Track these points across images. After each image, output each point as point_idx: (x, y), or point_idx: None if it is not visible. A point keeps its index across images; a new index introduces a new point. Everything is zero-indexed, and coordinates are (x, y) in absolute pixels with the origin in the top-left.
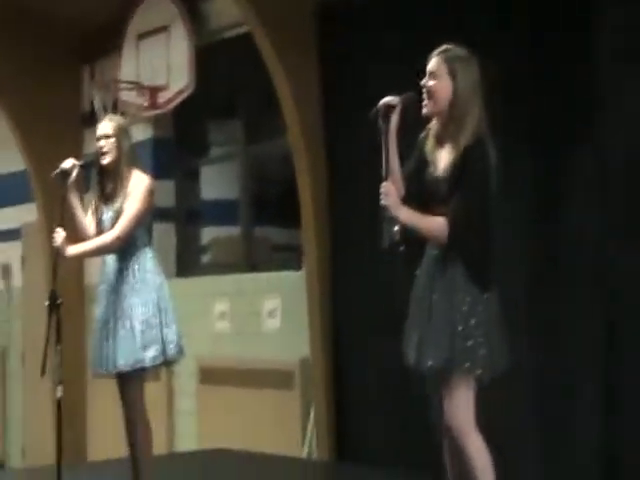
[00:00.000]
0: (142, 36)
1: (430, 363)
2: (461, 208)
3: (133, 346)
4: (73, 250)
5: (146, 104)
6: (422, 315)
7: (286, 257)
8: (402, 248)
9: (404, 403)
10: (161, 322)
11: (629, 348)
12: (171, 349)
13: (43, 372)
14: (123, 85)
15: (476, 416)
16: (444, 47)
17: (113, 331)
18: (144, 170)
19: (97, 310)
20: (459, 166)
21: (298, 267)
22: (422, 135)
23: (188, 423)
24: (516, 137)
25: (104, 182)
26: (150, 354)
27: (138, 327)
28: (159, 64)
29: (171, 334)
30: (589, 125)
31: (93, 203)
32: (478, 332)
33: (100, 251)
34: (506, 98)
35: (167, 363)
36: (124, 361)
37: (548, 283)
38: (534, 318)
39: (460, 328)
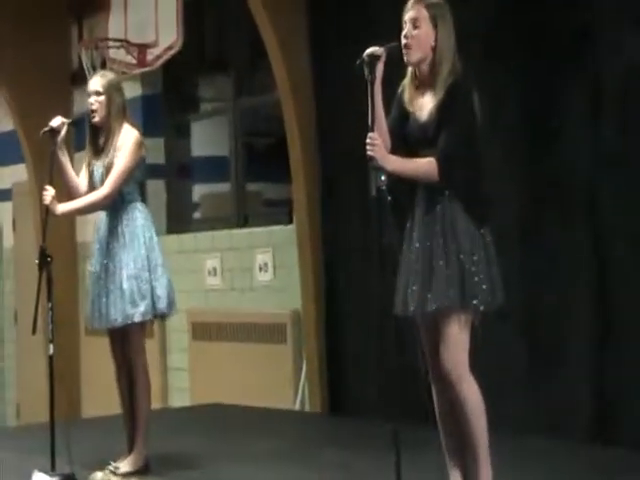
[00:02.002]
0: None
1: (434, 306)
2: (449, 143)
3: (122, 302)
4: (63, 208)
5: (135, 61)
6: (421, 261)
7: (278, 212)
8: (390, 197)
9: (396, 354)
10: (150, 277)
11: (622, 284)
12: (161, 304)
13: (34, 330)
14: (111, 43)
15: (470, 358)
16: None
17: (105, 287)
18: (135, 125)
19: (91, 267)
20: (443, 106)
21: (289, 221)
22: (400, 88)
23: (181, 378)
24: (505, 73)
25: (96, 138)
26: (139, 309)
27: (126, 283)
28: (147, 21)
29: (160, 289)
30: (581, 56)
31: (86, 159)
32: (480, 268)
33: (90, 208)
34: (496, 33)
35: (158, 317)
36: (115, 317)
37: (539, 219)
38: (526, 254)
39: (467, 266)
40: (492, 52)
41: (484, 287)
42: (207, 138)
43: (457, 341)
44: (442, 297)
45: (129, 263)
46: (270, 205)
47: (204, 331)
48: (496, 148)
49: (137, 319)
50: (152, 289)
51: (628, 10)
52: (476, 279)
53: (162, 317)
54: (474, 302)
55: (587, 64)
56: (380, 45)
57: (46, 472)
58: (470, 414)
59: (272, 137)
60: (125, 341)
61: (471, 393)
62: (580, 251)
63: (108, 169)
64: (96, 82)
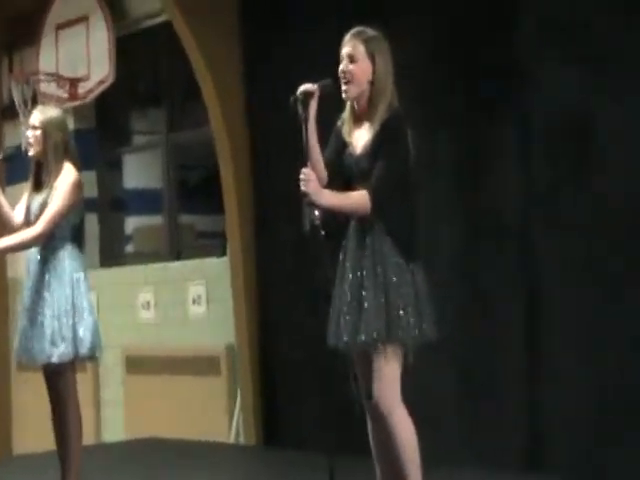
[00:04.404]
0: (61, 26)
1: (363, 338)
2: (382, 176)
3: (43, 341)
4: None
5: (66, 95)
6: (352, 293)
7: (211, 244)
8: (322, 232)
9: (331, 386)
10: (74, 319)
11: (553, 315)
12: (83, 346)
13: None
14: (42, 76)
15: (402, 390)
16: (357, 29)
17: (30, 324)
18: (77, 164)
19: (22, 300)
20: (377, 139)
21: (222, 253)
22: (338, 122)
23: (115, 413)
24: (438, 107)
25: (39, 171)
26: (59, 350)
27: (48, 322)
28: (79, 55)
29: (84, 331)
30: (510, 94)
31: (27, 190)
32: (408, 301)
33: (21, 246)
34: (427, 69)
35: (80, 359)
36: (36, 355)
37: (472, 252)
38: (460, 287)
39: (392, 298)
40: (426, 89)
41: (411, 320)
42: (140, 171)
43: (385, 373)
44: (370, 329)
45: (53, 303)
46: (203, 237)
47: (138, 364)
48: (430, 184)
49: (55, 360)
50: (75, 331)
51: (557, 49)
52: (402, 313)
53: (84, 359)
54: (400, 334)
55: (518, 101)
56: (313, 82)
57: None
58: (401, 446)
59: (205, 170)
60: (53, 379)
61: (402, 425)
62: (513, 283)
63: (43, 206)
64: (35, 117)
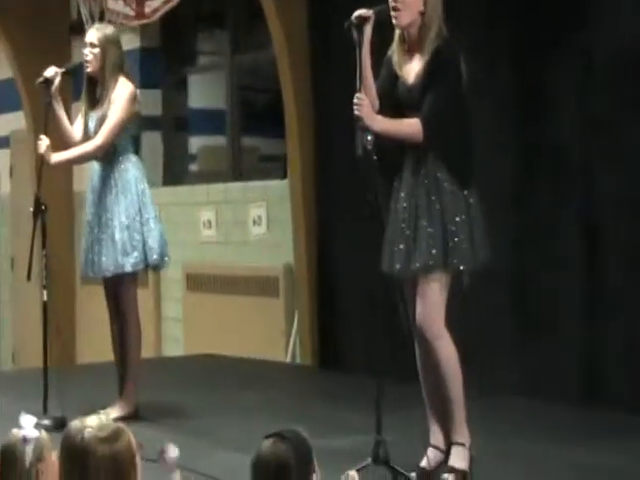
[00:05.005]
0: None
1: (417, 265)
2: (434, 105)
3: (114, 252)
4: (57, 157)
5: (133, 13)
6: (406, 221)
7: (273, 166)
8: (376, 157)
9: (387, 311)
10: (142, 228)
11: (611, 253)
12: (153, 255)
13: (29, 277)
14: None
15: (449, 317)
16: None
17: (97, 237)
18: (131, 78)
19: (85, 216)
20: (429, 68)
21: (284, 176)
22: (389, 51)
23: (175, 328)
24: (500, 43)
25: (93, 89)
26: (131, 260)
27: (119, 233)
28: None
29: (152, 240)
30: (574, 32)
31: (82, 108)
32: (462, 229)
33: (82, 159)
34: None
35: (149, 269)
36: (107, 266)
37: (530, 186)
38: (516, 217)
39: (449, 226)
40: (486, 20)
41: (465, 247)
42: (205, 91)
43: (435, 300)
44: (425, 256)
45: (121, 214)
46: (266, 160)
47: (198, 282)
48: (486, 112)
49: (128, 269)
50: (144, 240)
51: None
52: (457, 239)
53: (154, 268)
54: (455, 261)
55: (579, 36)
56: (369, 7)
57: (37, 415)
58: (445, 371)
59: (269, 93)
60: (117, 291)
61: (446, 351)
62: (571, 216)
63: (102, 121)
64: (92, 34)
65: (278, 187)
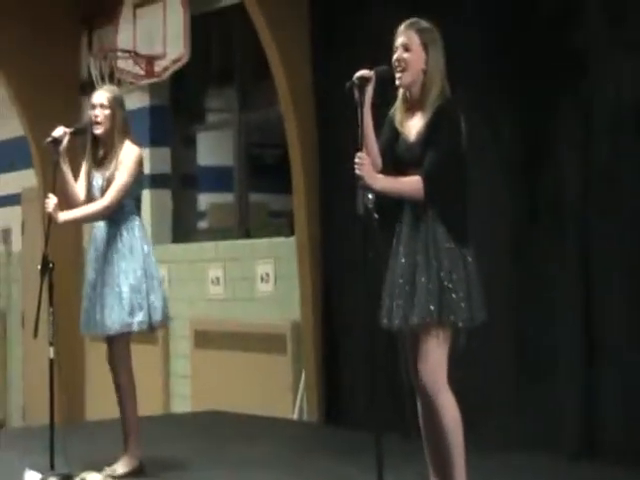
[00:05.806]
0: (139, 5)
1: (415, 320)
2: (434, 163)
3: (121, 310)
4: (65, 216)
5: (142, 72)
6: (405, 277)
7: (280, 223)
8: (377, 215)
9: (394, 367)
10: (147, 288)
11: (609, 303)
12: (157, 315)
13: (35, 334)
14: (120, 53)
15: (449, 373)
16: (411, 20)
17: (101, 296)
18: (135, 140)
19: (87, 274)
20: (430, 125)
21: (291, 233)
22: (391, 110)
23: (183, 385)
24: (499, 92)
25: (96, 149)
26: (137, 319)
27: (126, 292)
28: (155, 33)
29: (157, 300)
30: (574, 80)
31: (85, 168)
32: (459, 286)
33: (90, 218)
34: (489, 53)
35: (153, 328)
36: (112, 324)
37: (529, 238)
38: (515, 270)
39: (446, 283)
40: (488, 74)
41: (462, 305)
42: (213, 148)
43: (435, 355)
44: (422, 312)
45: (129, 273)
46: (274, 216)
47: (206, 339)
48: (489, 168)
49: (135, 328)
50: (149, 300)
51: (622, 35)
52: (454, 296)
53: (156, 328)
54: (451, 318)
55: (580, 89)
56: (370, 68)
57: (44, 471)
58: (447, 426)
59: (277, 149)
60: (110, 348)
61: (448, 406)
62: (569, 268)
63: (109, 181)
64: (102, 95)
65: (285, 244)
